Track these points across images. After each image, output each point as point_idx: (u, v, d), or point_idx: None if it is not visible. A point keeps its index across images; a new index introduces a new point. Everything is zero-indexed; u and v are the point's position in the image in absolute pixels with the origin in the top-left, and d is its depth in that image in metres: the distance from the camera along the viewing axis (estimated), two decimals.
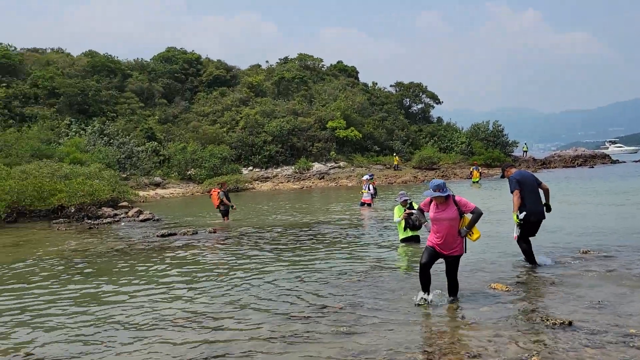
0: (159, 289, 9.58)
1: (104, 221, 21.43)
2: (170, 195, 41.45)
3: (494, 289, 8.54)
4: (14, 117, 50.09)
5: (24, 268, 12.03)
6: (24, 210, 23.86)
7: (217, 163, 47.22)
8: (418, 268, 7.94)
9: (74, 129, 48.23)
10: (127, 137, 48.29)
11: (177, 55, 65.42)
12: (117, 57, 63.24)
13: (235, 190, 42.06)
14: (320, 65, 73.65)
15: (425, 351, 5.89)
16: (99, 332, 7.17)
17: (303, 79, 64.44)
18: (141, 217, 22.17)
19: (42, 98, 52.30)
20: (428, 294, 7.82)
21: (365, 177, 25.12)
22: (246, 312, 7.88)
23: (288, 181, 48.96)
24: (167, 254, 13.20)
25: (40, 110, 50.57)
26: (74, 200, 22.36)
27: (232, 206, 20.22)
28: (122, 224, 20.75)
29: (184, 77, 63.59)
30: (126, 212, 23.65)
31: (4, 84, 51.96)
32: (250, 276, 10.30)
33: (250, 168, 51.61)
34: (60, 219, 22.37)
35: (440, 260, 7.94)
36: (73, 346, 6.68)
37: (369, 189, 23.67)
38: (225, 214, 19.98)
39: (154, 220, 21.53)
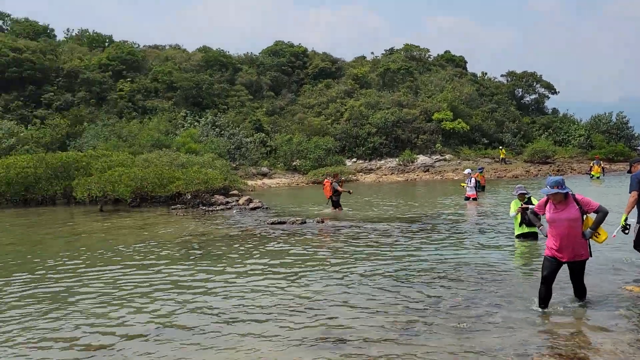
0: (272, 274, 9.83)
1: (217, 208, 22.48)
2: (277, 185, 42.69)
3: (630, 290, 7.80)
4: (137, 110, 54.19)
5: (150, 248, 12.90)
6: (146, 196, 25.69)
7: (321, 154, 47.87)
8: (535, 269, 7.40)
9: (189, 121, 51.16)
10: (237, 128, 50.37)
11: (284, 48, 67.04)
12: (229, 52, 66.11)
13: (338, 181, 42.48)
14: (427, 56, 72.05)
15: (558, 354, 5.48)
16: (224, 313, 7.46)
17: (409, 69, 63.40)
18: (251, 205, 22.98)
19: (161, 92, 56.01)
20: (546, 308, 7.07)
21: (467, 171, 24.14)
22: (358, 300, 7.83)
23: (392, 173, 48.53)
24: (279, 241, 13.54)
25: (160, 103, 54.18)
26: (190, 187, 23.67)
27: (349, 191, 21.24)
28: (234, 211, 21.64)
29: (290, 69, 65.06)
30: (237, 200, 24.63)
31: (129, 79, 56.26)
32: (360, 266, 10.27)
33: (354, 160, 51.77)
34: (178, 205, 23.79)
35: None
36: (203, 320, 7.02)
37: (470, 183, 22.79)
38: (336, 204, 20.20)
39: (263, 208, 22.22)
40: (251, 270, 10.24)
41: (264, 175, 46.09)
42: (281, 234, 14.90)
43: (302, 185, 42.68)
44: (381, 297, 7.97)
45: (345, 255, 11.43)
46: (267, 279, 9.41)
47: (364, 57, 73.40)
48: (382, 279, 9.16)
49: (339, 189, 20.05)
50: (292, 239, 13.94)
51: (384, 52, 73.87)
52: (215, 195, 25.83)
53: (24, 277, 10.09)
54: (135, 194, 24.42)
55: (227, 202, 24.26)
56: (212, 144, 44.26)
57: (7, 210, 26.26)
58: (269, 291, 8.56)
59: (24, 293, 8.89)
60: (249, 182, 37.91)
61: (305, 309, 7.49)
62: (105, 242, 14.35)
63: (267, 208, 22.41)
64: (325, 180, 21.13)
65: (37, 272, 10.45)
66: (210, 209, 22.32)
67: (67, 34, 72.15)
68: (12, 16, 70.26)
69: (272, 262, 10.98)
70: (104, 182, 23.06)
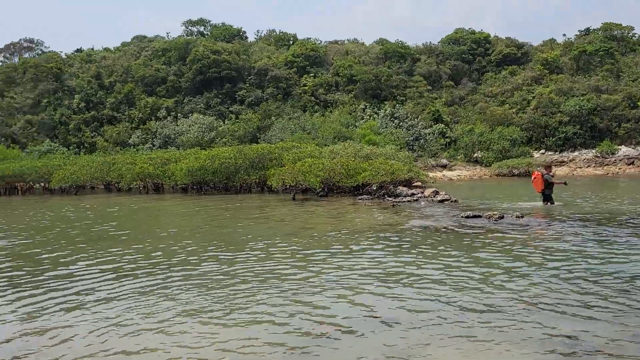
0: (478, 270, 9.21)
1: (403, 200, 22.28)
2: (457, 177, 41.29)
3: None
4: (319, 103, 56.61)
5: (348, 236, 13.10)
6: (333, 186, 26.52)
7: (505, 145, 45.16)
8: None
9: (368, 113, 51.96)
10: (415, 119, 49.80)
11: (465, 36, 64.60)
12: (407, 43, 65.66)
13: (521, 174, 39.62)
14: (631, 35, 63.72)
15: None
16: (451, 304, 7.11)
17: (608, 51, 56.69)
18: (438, 197, 22.35)
19: (342, 85, 57.74)
20: None
21: None
22: (585, 299, 6.88)
23: (587, 166, 43.94)
24: (479, 236, 12.80)
25: (340, 96, 55.90)
26: (377, 178, 23.84)
27: (564, 182, 20.50)
28: (422, 203, 21.22)
29: (471, 57, 62.51)
30: (422, 192, 24.17)
31: (312, 74, 58.95)
32: (580, 265, 9.14)
33: (542, 151, 47.93)
34: (364, 195, 24.11)
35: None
36: (421, 315, 6.75)
37: None
38: (547, 198, 18.77)
39: (451, 201, 21.46)
40: (456, 263, 9.73)
41: (444, 167, 44.91)
42: (479, 228, 14.09)
43: (485, 178, 40.66)
44: (606, 302, 6.91)
45: (562, 254, 10.32)
46: (479, 274, 8.82)
47: (554, 40, 67.44)
48: (609, 281, 8.00)
49: (554, 181, 18.64)
50: (494, 234, 13.07)
51: (577, 33, 67.10)
52: (399, 187, 25.72)
53: (230, 256, 10.84)
54: (323, 183, 25.33)
55: (413, 194, 23.93)
56: (392, 135, 44.33)
57: (212, 196, 29.11)
58: (480, 288, 7.98)
59: (233, 272, 9.50)
60: (429, 174, 37.20)
61: (532, 307, 6.78)
62: (305, 229, 14.95)
63: (455, 201, 21.59)
64: (535, 172, 19.62)
65: (244, 253, 11.16)
66: (397, 200, 22.19)
67: (257, 35, 78.07)
68: (211, 22, 77.87)
69: (474, 256, 10.33)
70: (297, 172, 24.28)
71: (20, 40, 76.99)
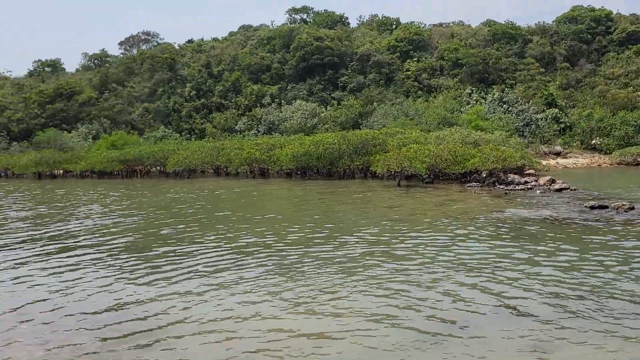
0: (613, 264, 8.40)
1: (516, 187, 21.13)
2: (573, 165, 38.57)
3: None
4: (422, 89, 55.26)
5: (458, 223, 12.58)
6: (439, 173, 25.75)
7: (629, 131, 41.41)
8: None
9: (474, 98, 49.91)
10: (526, 104, 47.11)
11: (583, 14, 59.89)
12: (517, 24, 62.11)
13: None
14: None
15: None
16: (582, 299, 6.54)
17: None
18: (555, 186, 20.92)
19: (446, 69, 55.90)
20: None
21: None
22: None
23: None
24: (608, 229, 11.75)
25: (445, 81, 54.15)
26: (487, 165, 22.77)
27: None
28: (537, 192, 19.97)
29: (590, 37, 57.86)
30: (536, 180, 22.76)
31: (415, 59, 57.63)
32: None
33: None
34: (473, 183, 23.16)
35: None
36: (549, 308, 6.25)
37: None
38: None
39: (570, 190, 20.01)
40: (585, 255, 8.95)
41: (557, 154, 42.11)
42: (607, 220, 12.95)
43: (605, 167, 37.61)
44: None
45: None
46: (618, 270, 8.03)
47: None
48: None
49: None
50: (626, 227, 11.94)
51: None
52: (510, 175, 24.40)
53: (343, 240, 10.74)
54: (429, 170, 24.66)
55: (526, 182, 22.60)
56: (500, 121, 42.25)
57: (316, 181, 29.42)
58: (610, 284, 7.23)
59: (351, 255, 9.38)
60: (542, 162, 35.01)
61: None
62: (415, 215, 14.57)
63: (574, 190, 20.10)
64: None
65: (354, 237, 11.03)
66: (509, 188, 21.07)
67: (360, 21, 77.60)
68: (314, 9, 78.47)
69: (612, 250, 9.45)
70: (402, 158, 23.82)
71: (138, 33, 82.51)
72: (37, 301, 7.26)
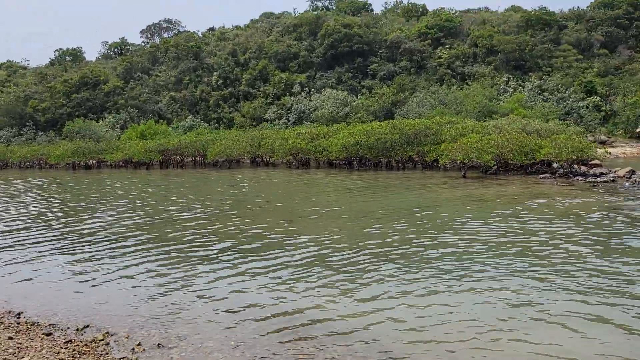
0: None
1: (597, 180, 20.29)
2: (622, 154, 37.57)
3: None
4: (455, 76, 54.22)
5: (565, 219, 11.82)
6: (503, 164, 24.94)
7: None
8: None
9: (512, 85, 48.86)
10: (566, 92, 46.05)
11: None
12: (550, 9, 60.72)
13: None
14: None
15: None
16: None
17: None
18: (634, 177, 20.14)
19: (480, 57, 54.76)
20: None
21: None
22: None
23: None
24: None
25: (479, 68, 53.05)
26: (562, 155, 21.92)
27: None
28: (627, 184, 19.14)
29: (627, 22, 56.42)
30: (613, 172, 21.94)
31: (447, 46, 56.51)
32: None
33: None
34: (546, 174, 22.34)
35: None
36: None
37: None
38: None
39: None
40: None
41: (603, 143, 41.03)
42: None
43: None
44: None
45: None
46: None
47: None
48: None
49: None
50: None
51: None
52: (575, 165, 23.56)
53: (444, 239, 10.02)
54: (494, 160, 23.88)
55: (602, 173, 21.79)
56: (544, 109, 41.26)
57: (367, 172, 28.68)
58: None
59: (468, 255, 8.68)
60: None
61: None
62: (515, 207, 13.81)
63: None
64: None
65: (448, 234, 10.31)
66: (590, 180, 20.26)
67: (384, 7, 76.35)
68: None
69: None
70: (469, 148, 23.03)
71: (160, 21, 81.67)
72: (205, 298, 6.64)
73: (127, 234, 11.92)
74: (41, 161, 46.48)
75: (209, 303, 6.92)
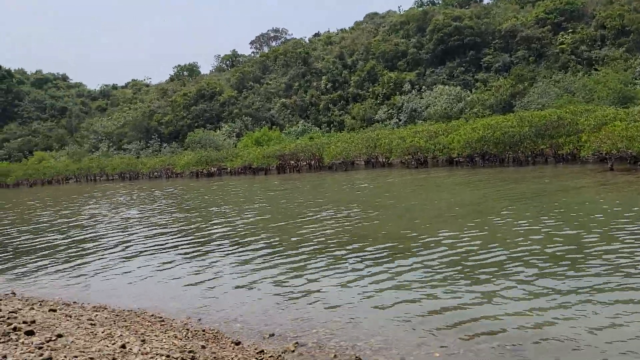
0: None
1: None
2: None
3: None
4: (580, 62, 50.15)
5: None
6: None
7: None
8: None
9: None
10: None
11: None
12: None
13: None
14: None
15: None
16: None
17: None
18: None
19: (609, 39, 50.19)
20: None
21: None
22: None
23: None
24: None
25: (609, 51, 48.63)
26: None
27: None
28: None
29: None
30: None
31: (570, 30, 52.47)
32: None
33: None
34: None
35: None
36: None
37: None
38: None
39: None
40: None
41: None
42: None
43: None
44: None
45: None
46: None
47: None
48: None
49: None
50: None
51: None
52: None
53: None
54: None
55: None
56: None
57: (493, 169, 27.02)
58: None
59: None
60: None
61: None
62: None
63: None
64: None
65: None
66: None
67: None
68: None
69: None
70: (616, 138, 20.80)
71: (268, 31, 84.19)
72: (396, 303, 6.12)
73: (267, 238, 11.80)
74: (168, 171, 49.39)
75: (385, 310, 6.39)
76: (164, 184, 39.33)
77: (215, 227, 14.26)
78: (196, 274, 9.01)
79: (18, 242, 14.15)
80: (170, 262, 10.04)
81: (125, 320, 6.51)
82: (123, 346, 5.30)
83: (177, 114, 69.36)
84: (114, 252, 11.54)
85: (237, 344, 5.60)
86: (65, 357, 4.97)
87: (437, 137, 32.97)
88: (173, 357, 5.00)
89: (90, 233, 14.97)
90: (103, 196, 31.72)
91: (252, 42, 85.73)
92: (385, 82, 58.43)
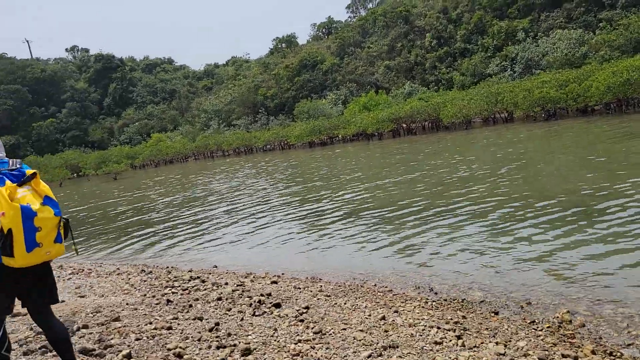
0: None
1: None
2: None
3: None
4: None
5: None
6: None
7: None
8: None
9: None
10: None
11: None
12: None
13: None
14: None
15: None
16: None
17: None
18: None
19: None
20: None
21: None
22: None
23: None
24: None
25: None
26: None
27: None
28: None
29: None
30: None
31: None
32: None
33: None
34: None
35: None
36: None
37: None
38: None
39: None
40: None
41: None
42: None
43: None
44: None
45: None
46: None
47: None
48: None
49: None
50: None
51: None
52: None
53: None
54: None
55: None
56: None
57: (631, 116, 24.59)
58: None
59: None
60: None
61: None
62: None
63: None
64: None
65: None
66: None
67: None
68: None
69: None
70: None
71: None
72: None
73: (457, 202, 11.39)
74: (282, 143, 50.42)
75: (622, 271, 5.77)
76: (283, 157, 40.16)
77: (404, 194, 14.08)
78: (397, 242, 8.82)
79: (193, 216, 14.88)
80: (365, 231, 9.96)
81: (355, 291, 6.45)
82: (383, 318, 5.19)
83: (281, 86, 70.35)
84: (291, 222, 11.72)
85: (496, 313, 5.30)
86: (332, 329, 4.94)
87: (569, 85, 30.59)
88: (444, 329, 4.80)
89: (256, 205, 15.40)
90: (238, 169, 32.91)
91: (348, 6, 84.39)
92: (496, 32, 55.07)
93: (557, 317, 4.96)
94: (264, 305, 5.88)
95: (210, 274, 8.23)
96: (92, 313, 5.90)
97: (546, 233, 7.78)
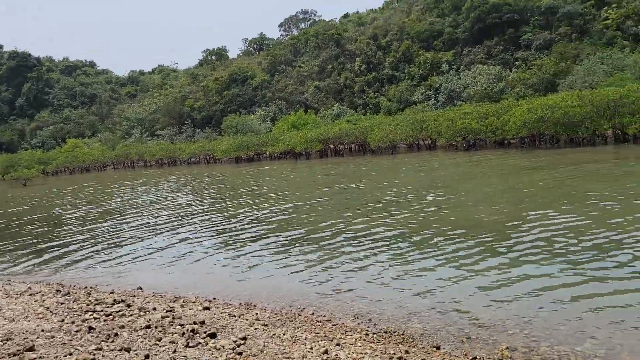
0: None
1: None
2: None
3: None
4: (626, 39, 48.52)
5: None
6: None
7: None
8: None
9: None
10: None
11: None
12: None
13: None
14: None
15: None
16: None
17: None
18: None
19: None
20: None
21: None
22: None
23: None
24: None
25: None
26: None
27: None
28: None
29: None
30: None
31: (614, 5, 50.74)
32: None
33: None
34: None
35: None
36: None
37: None
38: None
39: None
40: None
41: None
42: None
43: None
44: None
45: None
46: None
47: None
48: None
49: None
50: None
51: None
52: None
53: None
54: None
55: None
56: None
57: (557, 150, 26.27)
58: None
59: None
60: None
61: None
62: None
63: None
64: None
65: None
66: None
67: None
68: None
69: None
70: None
71: (296, 13, 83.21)
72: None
73: (389, 229, 11.45)
74: (208, 156, 49.37)
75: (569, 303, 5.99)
76: (209, 171, 39.27)
77: (334, 224, 13.96)
78: (332, 267, 8.71)
79: (107, 233, 14.05)
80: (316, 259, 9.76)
81: (293, 321, 6.25)
82: (326, 352, 5.03)
83: (209, 99, 69.24)
84: (225, 245, 11.33)
85: (438, 347, 5.28)
86: None
87: (488, 117, 32.21)
88: None
89: (182, 224, 14.80)
90: (161, 182, 31.72)
91: (280, 25, 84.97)
92: (422, 62, 57.38)
93: (497, 352, 5.01)
94: (198, 335, 5.55)
95: (135, 296, 7.73)
96: (1, 341, 5.31)
97: (478, 263, 7.96)
